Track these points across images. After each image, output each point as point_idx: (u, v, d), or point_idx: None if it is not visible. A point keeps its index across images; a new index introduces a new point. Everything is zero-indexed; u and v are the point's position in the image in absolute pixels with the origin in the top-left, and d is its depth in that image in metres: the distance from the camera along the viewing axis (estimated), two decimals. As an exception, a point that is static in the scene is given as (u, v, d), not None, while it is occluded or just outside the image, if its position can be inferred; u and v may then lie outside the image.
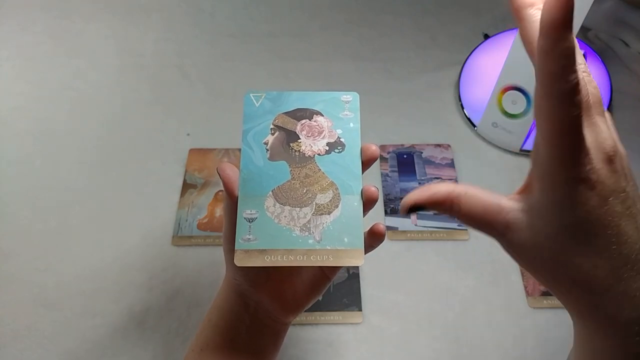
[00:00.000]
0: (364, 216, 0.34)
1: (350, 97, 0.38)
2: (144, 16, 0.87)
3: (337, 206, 0.34)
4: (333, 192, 0.35)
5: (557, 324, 0.55)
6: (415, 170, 0.68)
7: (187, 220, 0.63)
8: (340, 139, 0.36)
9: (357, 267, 0.59)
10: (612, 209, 0.24)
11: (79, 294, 0.58)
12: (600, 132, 0.25)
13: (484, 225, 0.27)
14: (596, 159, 0.24)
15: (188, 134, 0.72)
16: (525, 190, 0.27)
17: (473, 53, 0.76)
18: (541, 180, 0.25)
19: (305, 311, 0.56)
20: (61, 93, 0.76)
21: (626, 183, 0.25)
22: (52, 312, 0.56)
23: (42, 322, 0.56)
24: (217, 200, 0.65)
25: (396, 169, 0.68)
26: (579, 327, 0.28)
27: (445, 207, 0.28)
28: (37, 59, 0.80)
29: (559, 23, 0.22)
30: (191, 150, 0.70)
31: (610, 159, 0.25)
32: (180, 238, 0.62)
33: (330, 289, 0.58)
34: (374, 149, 0.35)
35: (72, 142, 0.71)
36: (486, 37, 0.81)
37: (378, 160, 0.68)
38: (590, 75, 0.26)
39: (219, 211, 0.64)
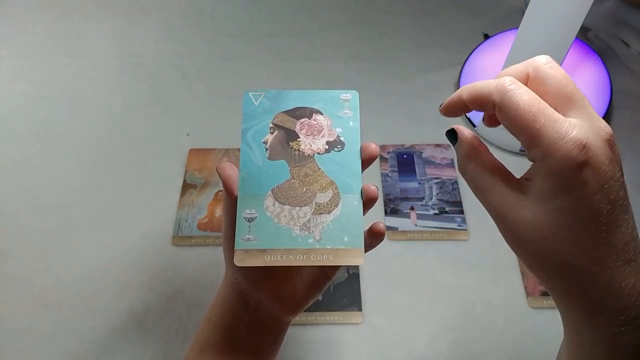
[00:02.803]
0: (364, 215, 0.34)
1: (349, 96, 0.37)
2: (144, 16, 0.87)
3: (337, 205, 0.34)
4: (333, 191, 0.34)
5: (557, 324, 0.55)
6: (415, 170, 0.68)
7: (187, 220, 0.63)
8: (340, 138, 0.36)
9: (357, 267, 0.59)
10: (607, 197, 0.24)
11: (79, 294, 0.58)
12: (594, 117, 0.26)
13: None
14: (595, 144, 0.24)
15: (188, 134, 0.72)
16: (527, 177, 0.27)
17: (473, 53, 0.76)
18: (538, 167, 0.26)
19: (305, 311, 0.56)
20: (61, 93, 0.76)
21: (621, 174, 0.25)
22: (52, 312, 0.56)
23: (42, 322, 0.56)
24: (217, 200, 0.65)
25: (396, 169, 0.68)
26: (566, 319, 0.29)
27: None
28: (37, 59, 0.80)
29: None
30: (191, 150, 0.70)
31: (610, 143, 0.25)
32: (180, 238, 0.62)
33: (330, 289, 0.58)
34: (373, 147, 0.35)
35: (72, 142, 0.71)
36: (486, 37, 0.81)
37: (378, 160, 0.69)
38: (554, 67, 0.27)
39: (219, 211, 0.64)
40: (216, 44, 0.83)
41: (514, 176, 0.28)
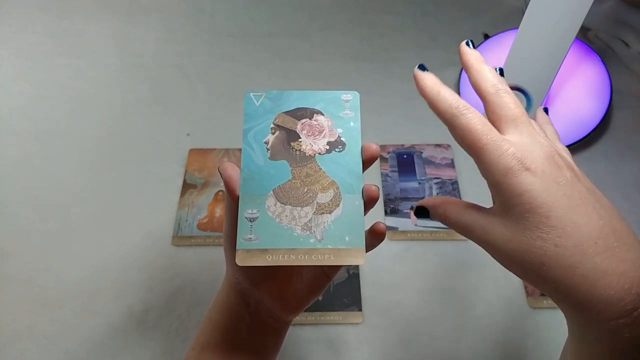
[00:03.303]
0: (365, 215, 0.34)
1: (350, 96, 0.38)
2: (144, 16, 0.87)
3: (338, 205, 0.34)
4: (334, 191, 0.34)
5: (557, 324, 0.55)
6: (415, 170, 0.68)
7: (187, 220, 0.63)
8: (341, 138, 0.36)
9: (357, 267, 0.59)
10: (557, 192, 0.27)
11: (79, 294, 0.58)
12: (535, 135, 0.29)
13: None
14: (532, 156, 0.28)
15: (188, 134, 0.72)
16: (492, 199, 0.31)
17: (473, 53, 0.76)
18: (493, 186, 0.29)
19: (306, 311, 0.56)
20: (61, 93, 0.76)
21: (571, 173, 0.28)
22: (52, 312, 0.56)
23: (42, 322, 0.56)
24: (217, 200, 0.65)
25: (396, 169, 0.68)
26: (566, 316, 0.29)
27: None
28: (37, 59, 0.81)
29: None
30: (191, 150, 0.70)
31: (550, 156, 0.28)
32: (180, 238, 0.62)
33: (330, 289, 0.58)
34: (374, 147, 0.35)
35: (72, 142, 0.71)
36: (486, 37, 0.81)
37: (378, 160, 0.69)
38: (507, 93, 0.31)
39: (219, 211, 0.64)
40: (216, 44, 0.83)
41: (484, 207, 0.31)
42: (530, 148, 0.28)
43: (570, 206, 0.26)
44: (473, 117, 0.29)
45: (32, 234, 0.62)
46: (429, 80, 0.32)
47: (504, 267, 0.29)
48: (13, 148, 0.70)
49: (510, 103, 0.30)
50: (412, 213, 0.64)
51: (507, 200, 0.28)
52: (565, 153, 0.32)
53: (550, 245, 0.26)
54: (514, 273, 0.29)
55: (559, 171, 0.27)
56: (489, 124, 0.29)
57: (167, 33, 0.85)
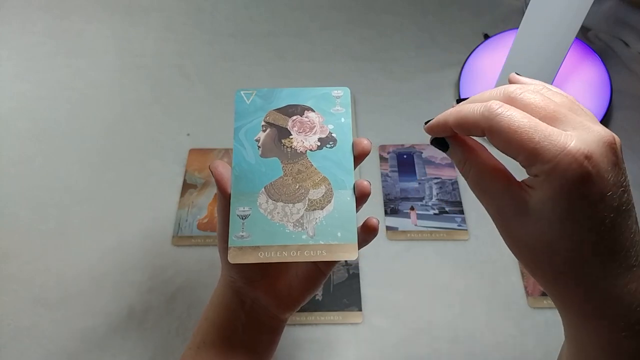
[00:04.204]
0: (357, 211, 0.34)
1: (341, 93, 0.38)
2: (144, 16, 0.87)
3: (329, 201, 0.34)
4: (325, 187, 0.35)
5: (557, 324, 0.55)
6: (415, 170, 0.68)
7: (187, 220, 0.63)
8: (332, 134, 0.36)
9: (357, 267, 0.59)
10: (610, 204, 0.24)
11: (79, 294, 0.58)
12: (590, 124, 0.25)
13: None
14: (597, 151, 0.24)
15: (188, 134, 0.72)
16: (529, 184, 0.27)
17: (473, 53, 0.76)
18: (539, 177, 0.25)
19: (306, 311, 0.56)
20: (61, 93, 0.76)
21: (624, 178, 0.25)
22: (52, 312, 0.56)
23: (42, 322, 0.56)
24: (217, 200, 0.65)
25: (396, 169, 0.68)
26: (566, 321, 0.29)
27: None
28: (37, 59, 0.81)
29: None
30: (191, 150, 0.70)
31: (612, 147, 0.24)
32: (180, 238, 0.62)
33: (330, 289, 0.58)
34: (365, 143, 0.35)
35: (72, 142, 0.71)
36: (486, 37, 0.81)
37: (378, 160, 0.69)
38: (549, 88, 0.28)
39: (219, 211, 0.64)
40: (216, 44, 0.83)
41: (515, 179, 0.28)
42: (591, 142, 0.24)
43: (615, 221, 0.24)
44: (513, 113, 0.25)
45: (32, 234, 0.62)
46: (442, 115, 0.29)
47: (511, 251, 0.28)
48: (13, 148, 0.70)
49: (539, 98, 0.26)
50: (412, 213, 0.64)
51: (556, 201, 0.25)
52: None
53: (580, 258, 0.25)
54: (527, 268, 0.28)
55: (616, 175, 0.24)
56: (535, 118, 0.25)
57: (167, 33, 0.85)
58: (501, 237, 0.28)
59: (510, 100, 0.27)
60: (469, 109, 0.27)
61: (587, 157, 0.23)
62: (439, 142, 0.31)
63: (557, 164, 0.24)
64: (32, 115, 0.74)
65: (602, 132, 0.25)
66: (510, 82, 0.30)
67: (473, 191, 0.29)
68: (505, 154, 0.26)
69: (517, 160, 0.26)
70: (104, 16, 0.87)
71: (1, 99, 0.75)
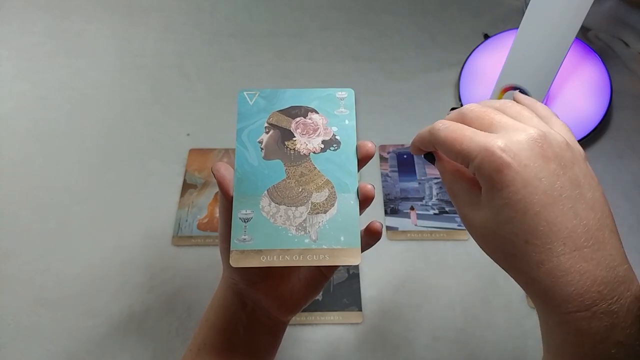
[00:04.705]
0: (360, 214, 0.34)
1: (345, 94, 0.37)
2: (144, 16, 0.87)
3: (333, 205, 0.34)
4: (329, 190, 0.34)
5: (557, 324, 0.55)
6: (415, 170, 0.68)
7: (187, 220, 0.63)
8: (336, 137, 0.36)
9: (357, 267, 0.59)
10: (538, 189, 0.27)
11: (79, 294, 0.58)
12: (518, 127, 0.29)
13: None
14: (516, 145, 0.28)
15: (188, 134, 0.72)
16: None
17: (473, 53, 0.76)
18: (476, 174, 0.30)
19: (305, 311, 0.56)
20: (61, 93, 0.76)
21: (556, 165, 0.28)
22: (52, 312, 0.56)
23: (42, 322, 0.56)
24: (217, 200, 0.65)
25: (396, 169, 0.68)
26: (536, 308, 0.30)
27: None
28: (37, 59, 0.81)
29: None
30: (191, 150, 0.70)
31: (539, 144, 0.28)
32: (180, 238, 0.62)
33: (330, 289, 0.58)
34: (369, 146, 0.35)
35: (72, 142, 0.71)
36: (486, 37, 0.81)
37: (378, 160, 0.69)
38: (475, 106, 0.32)
39: (219, 211, 0.64)
40: (216, 44, 0.83)
41: (474, 179, 0.31)
42: (515, 139, 0.28)
43: (547, 204, 0.27)
44: (448, 127, 0.31)
45: (32, 234, 0.62)
46: (415, 138, 0.35)
47: (478, 245, 0.31)
48: (13, 148, 0.70)
49: (478, 109, 0.31)
50: (412, 213, 0.64)
51: (489, 191, 0.28)
52: (561, 132, 0.31)
53: (521, 240, 0.27)
54: (486, 253, 0.31)
55: (543, 164, 0.27)
56: (465, 126, 0.30)
57: (167, 33, 0.85)
58: None
59: (461, 117, 0.32)
60: (422, 131, 0.33)
61: (503, 150, 0.27)
62: (428, 157, 0.36)
63: (481, 159, 0.28)
64: (32, 115, 0.74)
65: (531, 130, 0.28)
66: (514, 99, 0.35)
67: (448, 195, 0.34)
68: (451, 159, 0.31)
69: (459, 163, 0.30)
70: (104, 16, 0.87)
71: (1, 99, 0.75)
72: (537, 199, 0.27)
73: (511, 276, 0.30)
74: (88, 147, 0.70)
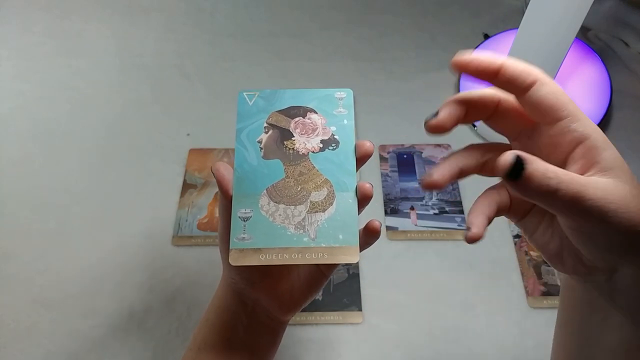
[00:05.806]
0: (359, 213, 0.34)
1: (344, 94, 0.37)
2: (144, 16, 0.87)
3: (331, 204, 0.34)
4: (327, 189, 0.34)
5: (557, 324, 0.55)
6: (415, 170, 0.68)
7: (187, 220, 0.63)
8: (334, 136, 0.36)
9: (357, 267, 0.59)
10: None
11: (79, 294, 0.58)
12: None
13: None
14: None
15: (188, 134, 0.72)
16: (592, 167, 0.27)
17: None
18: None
19: (305, 311, 0.56)
20: (61, 93, 0.76)
21: None
22: (52, 312, 0.56)
23: (42, 322, 0.56)
24: (217, 200, 0.65)
25: (396, 169, 0.68)
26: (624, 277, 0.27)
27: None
28: (37, 59, 0.81)
29: None
30: (191, 150, 0.70)
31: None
32: (180, 238, 0.62)
33: (330, 289, 0.58)
34: (368, 145, 0.35)
35: (72, 142, 0.71)
36: (486, 37, 0.81)
37: (378, 160, 0.69)
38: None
39: (219, 211, 0.64)
40: (216, 44, 0.83)
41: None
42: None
43: None
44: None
45: (32, 234, 0.62)
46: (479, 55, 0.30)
47: (616, 231, 0.25)
48: (13, 148, 0.70)
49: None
50: (412, 212, 0.64)
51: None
52: None
53: None
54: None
55: None
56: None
57: (167, 33, 0.85)
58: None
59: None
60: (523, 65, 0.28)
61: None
62: (516, 167, 0.24)
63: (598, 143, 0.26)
64: (32, 115, 0.74)
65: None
66: None
67: (568, 206, 0.25)
68: (540, 107, 0.28)
69: (552, 117, 0.28)
70: (104, 16, 0.87)
71: (1, 99, 0.76)
72: None
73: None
74: (88, 147, 0.70)
